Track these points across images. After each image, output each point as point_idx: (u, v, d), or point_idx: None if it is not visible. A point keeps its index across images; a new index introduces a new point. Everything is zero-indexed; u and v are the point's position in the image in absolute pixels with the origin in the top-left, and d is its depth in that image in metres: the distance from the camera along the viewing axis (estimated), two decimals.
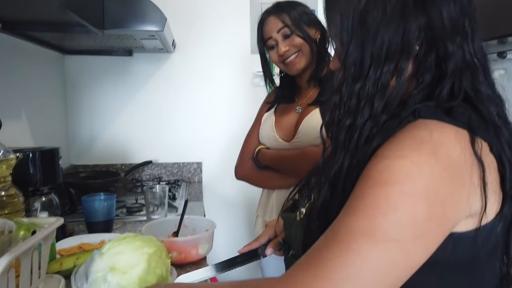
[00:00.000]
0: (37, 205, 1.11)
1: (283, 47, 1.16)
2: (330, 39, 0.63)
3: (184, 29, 1.98)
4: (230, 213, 2.14)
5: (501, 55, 1.53)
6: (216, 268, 0.78)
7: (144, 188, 1.29)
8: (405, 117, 0.51)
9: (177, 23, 1.85)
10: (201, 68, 2.05)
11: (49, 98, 1.78)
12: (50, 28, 1.23)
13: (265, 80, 1.31)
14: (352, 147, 0.54)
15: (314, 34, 1.19)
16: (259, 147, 1.27)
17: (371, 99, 0.54)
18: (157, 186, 1.31)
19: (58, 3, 0.96)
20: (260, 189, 1.36)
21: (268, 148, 1.26)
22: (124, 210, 1.48)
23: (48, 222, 0.84)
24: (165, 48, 1.79)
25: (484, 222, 0.48)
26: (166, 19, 1.34)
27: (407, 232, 0.43)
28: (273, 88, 1.35)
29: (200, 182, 2.10)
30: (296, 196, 0.77)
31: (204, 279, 0.76)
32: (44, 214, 0.96)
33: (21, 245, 0.70)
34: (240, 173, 1.31)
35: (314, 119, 1.15)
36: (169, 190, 1.72)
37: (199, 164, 2.11)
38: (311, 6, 1.28)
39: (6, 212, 0.92)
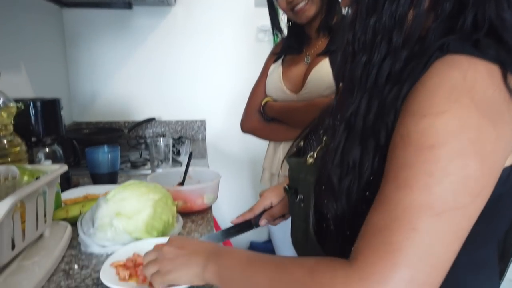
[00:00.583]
0: (41, 155, 1.10)
1: None
2: None
3: None
4: (234, 169, 2.14)
5: None
6: (210, 240, 0.77)
7: (148, 141, 1.28)
8: (432, 53, 0.46)
9: None
10: (204, 22, 1.98)
11: (48, 52, 1.73)
12: None
13: (272, 29, 1.25)
14: (369, 86, 0.50)
15: None
16: (266, 99, 1.24)
17: (388, 33, 0.50)
18: (161, 139, 1.29)
19: None
20: (266, 144, 1.34)
21: (275, 100, 1.23)
22: (129, 164, 1.47)
23: (52, 169, 0.82)
24: (166, 0, 1.72)
25: None
26: None
27: (465, 195, 0.41)
28: (280, 38, 1.30)
29: (204, 140, 2.08)
30: (301, 143, 0.75)
31: None
32: (48, 162, 0.94)
33: (25, 187, 0.68)
34: (246, 126, 1.28)
35: (323, 69, 1.10)
36: (173, 146, 1.71)
37: (202, 122, 2.08)
38: None
39: (9, 160, 0.91)
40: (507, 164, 0.46)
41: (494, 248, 0.59)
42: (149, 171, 1.34)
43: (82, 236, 0.79)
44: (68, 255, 0.77)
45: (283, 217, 0.88)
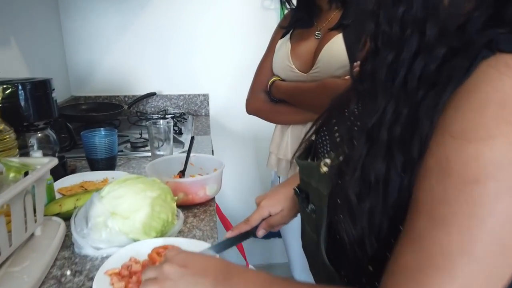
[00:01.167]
0: (33, 141, 1.04)
1: None
2: None
3: None
4: (239, 148, 2.07)
5: None
6: (208, 251, 0.70)
7: (147, 123, 1.20)
8: (477, 51, 0.38)
9: None
10: None
11: (42, 24, 1.61)
12: None
13: (281, 0, 1.13)
14: (397, 90, 0.42)
15: None
16: (273, 78, 1.14)
17: (420, 24, 0.40)
18: (161, 121, 1.21)
19: None
20: (273, 124, 1.26)
21: (282, 80, 1.13)
22: (128, 145, 1.40)
23: (41, 163, 0.76)
24: None
25: None
26: None
27: (509, 236, 0.35)
28: (288, 9, 1.18)
29: (207, 115, 2.00)
30: (313, 137, 0.66)
31: None
32: (38, 153, 0.88)
33: (8, 190, 0.62)
34: (251, 107, 1.19)
35: (336, 46, 1.00)
36: (175, 125, 1.64)
37: (205, 96, 1.99)
38: None
39: None
40: None
41: None
42: (150, 153, 1.28)
43: (75, 236, 0.73)
44: (61, 257, 0.72)
45: (283, 223, 0.82)
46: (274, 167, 1.24)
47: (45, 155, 1.04)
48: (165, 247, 0.71)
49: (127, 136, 1.50)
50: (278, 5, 1.85)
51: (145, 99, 1.92)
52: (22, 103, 1.00)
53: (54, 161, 0.77)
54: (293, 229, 1.25)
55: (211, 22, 1.89)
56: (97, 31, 1.84)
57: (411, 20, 0.41)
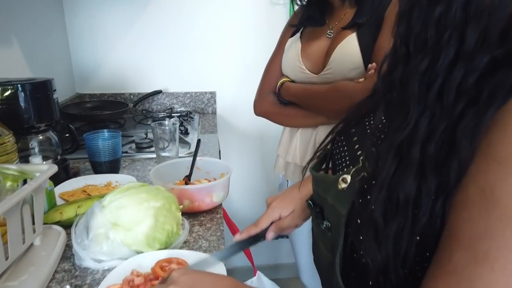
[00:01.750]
0: (34, 144, 1.01)
1: None
2: None
3: None
4: (246, 147, 2.03)
5: None
6: (217, 257, 0.66)
7: (152, 124, 1.16)
8: None
9: None
10: None
11: (46, 22, 1.58)
12: None
13: None
14: (431, 102, 0.37)
15: None
16: (282, 79, 1.09)
17: (460, 28, 0.36)
18: (167, 121, 1.18)
19: None
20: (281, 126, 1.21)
21: (292, 81, 1.08)
22: (133, 145, 1.37)
23: (40, 170, 0.72)
24: None
25: None
26: None
27: None
28: (298, 6, 1.13)
29: (214, 113, 1.96)
30: (328, 146, 0.62)
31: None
32: (38, 159, 0.85)
33: (4, 202, 0.59)
34: (260, 109, 1.15)
35: (349, 46, 0.95)
36: (181, 124, 1.60)
37: (212, 94, 1.95)
38: None
39: None
40: None
41: None
42: (155, 154, 1.24)
43: (76, 247, 0.70)
44: (61, 270, 0.69)
45: (294, 226, 0.78)
46: (282, 171, 1.19)
47: (46, 158, 1.01)
48: (169, 260, 0.68)
49: (132, 136, 1.46)
50: (287, 0, 1.80)
51: (150, 97, 1.89)
52: (22, 105, 0.97)
53: (54, 169, 0.73)
54: (302, 233, 1.21)
55: (217, 18, 1.85)
56: (102, 28, 1.80)
57: (450, 22, 0.36)
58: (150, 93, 1.87)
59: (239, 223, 1.37)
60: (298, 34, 1.11)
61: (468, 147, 0.35)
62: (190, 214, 0.88)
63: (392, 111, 0.44)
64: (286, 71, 1.10)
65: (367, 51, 0.93)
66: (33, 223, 0.70)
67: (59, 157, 1.06)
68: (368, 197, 0.43)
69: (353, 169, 0.48)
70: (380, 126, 0.49)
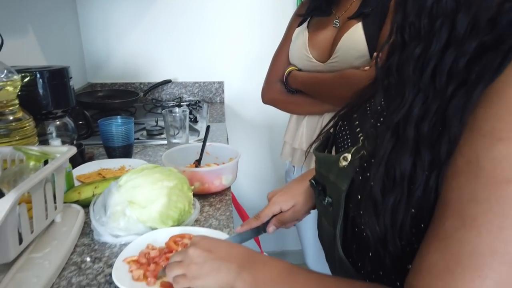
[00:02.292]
0: (52, 129, 1.05)
1: None
2: None
3: None
4: (253, 136, 2.07)
5: None
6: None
7: (163, 111, 1.20)
8: (509, 48, 0.36)
9: None
10: None
11: (58, 12, 1.62)
12: None
13: None
14: (425, 84, 0.40)
15: None
16: (290, 68, 1.12)
17: (451, 16, 0.39)
18: (177, 109, 1.22)
19: None
20: (288, 113, 1.25)
21: (299, 70, 1.11)
22: (144, 132, 1.41)
23: (60, 151, 0.77)
24: None
25: None
26: None
27: None
28: None
29: (222, 103, 2.00)
30: (331, 130, 0.65)
31: None
32: (57, 142, 0.89)
33: (30, 179, 0.63)
34: (267, 97, 1.18)
35: (355, 35, 0.98)
36: (190, 113, 1.64)
37: (220, 84, 1.99)
38: None
39: (17, 138, 0.86)
40: None
41: None
42: (166, 141, 1.28)
43: (94, 224, 0.75)
44: (81, 244, 0.74)
45: (295, 220, 0.81)
46: (289, 157, 1.23)
47: (63, 143, 1.06)
48: (182, 236, 0.72)
49: (143, 123, 1.51)
50: None
51: (160, 87, 1.93)
52: (41, 91, 1.01)
53: (73, 150, 0.78)
54: (307, 218, 1.25)
55: (226, 10, 1.87)
56: (113, 18, 1.84)
57: (441, 11, 0.39)
58: (160, 82, 1.91)
59: (248, 209, 1.41)
60: (305, 24, 1.13)
61: (457, 124, 0.38)
62: (201, 195, 0.92)
63: (389, 95, 0.47)
64: (293, 60, 1.13)
65: (373, 40, 0.95)
66: (55, 201, 0.75)
67: (75, 142, 1.10)
68: (368, 174, 0.46)
69: (353, 148, 0.51)
70: (379, 108, 0.52)
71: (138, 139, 1.35)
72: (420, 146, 0.41)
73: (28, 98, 0.99)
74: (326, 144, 0.66)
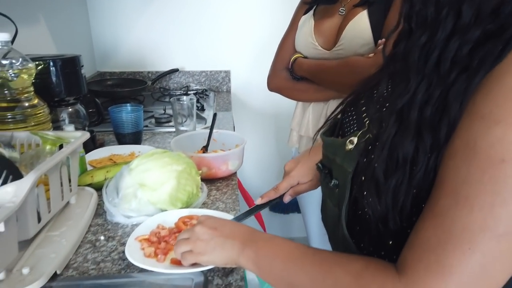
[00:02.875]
0: (64, 115, 1.09)
1: None
2: None
3: None
4: (259, 124, 2.09)
5: None
6: (236, 219, 0.74)
7: (171, 99, 1.23)
8: (510, 36, 0.38)
9: None
10: None
11: (68, 1, 1.65)
12: None
13: None
14: (429, 71, 0.42)
15: None
16: (295, 55, 1.14)
17: (456, 5, 0.41)
18: (185, 97, 1.24)
19: None
20: (294, 101, 1.27)
21: (305, 57, 1.13)
22: (153, 120, 1.44)
23: (74, 136, 0.80)
24: None
25: None
26: None
27: None
28: None
29: (228, 91, 2.02)
30: (339, 116, 0.68)
31: None
32: (71, 127, 0.93)
33: (47, 161, 0.67)
34: (273, 84, 1.20)
35: (360, 23, 0.99)
36: (197, 101, 1.67)
37: (227, 73, 2.01)
38: None
39: (32, 124, 0.89)
40: None
41: None
42: (173, 129, 1.31)
43: (107, 205, 0.78)
44: (94, 224, 0.78)
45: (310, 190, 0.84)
46: (296, 144, 1.26)
47: (75, 129, 1.09)
48: (190, 217, 0.76)
49: (152, 111, 1.54)
50: None
51: (167, 75, 1.95)
52: (54, 79, 1.05)
53: (87, 135, 0.81)
54: (312, 203, 1.28)
55: None
56: (121, 8, 1.86)
57: (447, 1, 0.41)
58: (167, 71, 1.93)
59: (254, 195, 1.45)
60: (311, 12, 1.15)
61: (458, 108, 0.40)
62: (208, 180, 0.95)
63: (395, 81, 0.49)
64: (299, 48, 1.15)
65: (377, 28, 0.97)
66: (69, 184, 0.79)
67: (86, 128, 1.14)
68: (372, 156, 0.49)
69: (359, 132, 0.54)
70: (385, 94, 0.54)
71: (146, 126, 1.38)
72: (422, 130, 0.43)
73: (41, 85, 1.02)
74: (333, 129, 0.68)
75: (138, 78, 1.93)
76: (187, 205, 0.81)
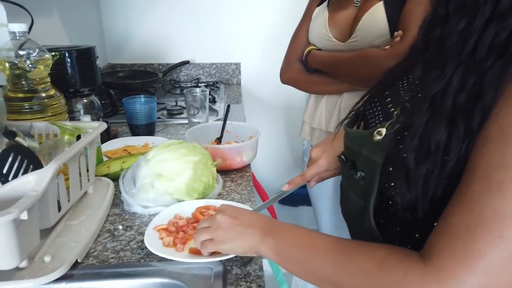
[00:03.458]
0: (79, 106, 1.10)
1: None
2: None
3: None
4: (270, 117, 2.09)
5: None
6: (263, 206, 0.75)
7: (184, 91, 1.23)
8: None
9: None
10: None
11: None
12: None
13: None
14: (465, 57, 0.42)
15: None
16: (309, 47, 1.13)
17: None
18: (197, 89, 1.25)
19: None
20: (305, 94, 1.26)
21: (319, 49, 1.12)
22: (165, 112, 1.45)
23: (92, 127, 0.81)
24: None
25: None
26: None
27: None
28: None
29: (238, 84, 2.02)
30: (361, 108, 0.67)
31: None
32: (87, 118, 0.93)
33: (67, 151, 0.68)
34: (286, 77, 1.20)
35: (376, 14, 0.98)
36: (209, 93, 1.67)
37: (237, 65, 2.00)
38: None
39: (49, 114, 0.90)
40: None
41: None
42: (186, 120, 1.32)
43: (124, 195, 0.79)
44: (112, 214, 0.78)
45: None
46: (307, 136, 1.25)
47: (91, 120, 1.10)
48: (207, 207, 0.76)
49: (163, 103, 1.54)
50: None
51: (178, 67, 1.95)
52: (69, 70, 1.06)
53: (104, 125, 0.82)
54: (324, 195, 1.28)
55: None
56: (132, 0, 1.86)
57: None
58: (178, 63, 1.93)
59: (266, 187, 1.45)
60: (325, 4, 1.14)
61: (492, 95, 0.39)
62: (223, 171, 0.95)
63: (429, 68, 0.48)
64: (313, 40, 1.14)
65: (394, 19, 0.96)
66: (87, 174, 0.80)
67: (100, 119, 1.15)
68: (401, 146, 0.48)
69: (388, 123, 0.53)
70: (417, 82, 0.53)
71: (159, 118, 1.38)
72: (456, 117, 0.42)
73: (57, 76, 1.03)
74: (355, 121, 0.68)
75: (149, 70, 1.94)
76: (203, 196, 0.81)
